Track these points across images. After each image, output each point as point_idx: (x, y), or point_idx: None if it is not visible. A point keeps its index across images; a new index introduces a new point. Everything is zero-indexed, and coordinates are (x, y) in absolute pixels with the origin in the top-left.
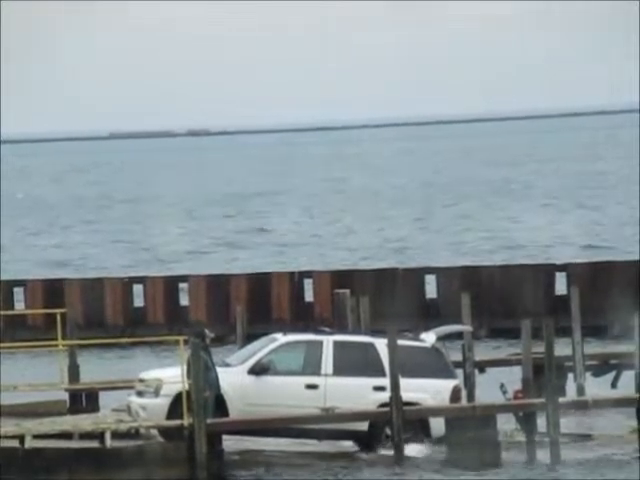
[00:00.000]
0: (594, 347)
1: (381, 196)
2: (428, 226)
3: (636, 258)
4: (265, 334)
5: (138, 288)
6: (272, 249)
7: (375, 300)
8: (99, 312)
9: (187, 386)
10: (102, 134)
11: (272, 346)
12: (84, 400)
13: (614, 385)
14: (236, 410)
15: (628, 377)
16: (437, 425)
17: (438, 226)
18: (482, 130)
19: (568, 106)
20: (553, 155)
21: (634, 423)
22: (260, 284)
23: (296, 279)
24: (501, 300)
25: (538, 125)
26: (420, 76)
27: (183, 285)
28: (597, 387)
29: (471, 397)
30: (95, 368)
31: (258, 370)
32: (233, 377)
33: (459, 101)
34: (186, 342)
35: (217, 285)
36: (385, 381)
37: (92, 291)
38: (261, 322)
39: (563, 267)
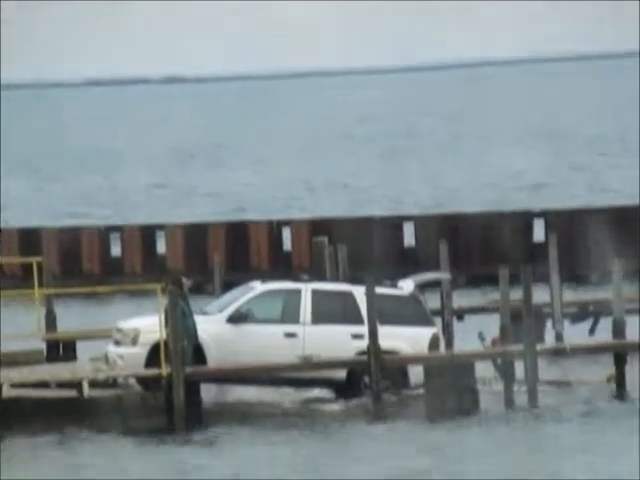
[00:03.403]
0: (572, 294)
1: None
2: None
3: (613, 204)
4: (243, 283)
5: (115, 237)
6: None
7: (353, 248)
8: (76, 261)
9: (165, 335)
10: (78, 80)
11: (250, 294)
12: (61, 349)
13: (592, 332)
14: (214, 358)
15: (606, 324)
16: (415, 373)
17: None
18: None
19: None
20: None
21: (612, 369)
22: (238, 233)
23: (274, 227)
24: (479, 247)
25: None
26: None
27: (160, 233)
28: (575, 334)
29: (449, 345)
30: (72, 317)
31: (236, 318)
32: (211, 325)
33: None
34: (163, 290)
35: (194, 234)
36: (363, 329)
37: (69, 240)
38: (239, 271)
39: (541, 214)
